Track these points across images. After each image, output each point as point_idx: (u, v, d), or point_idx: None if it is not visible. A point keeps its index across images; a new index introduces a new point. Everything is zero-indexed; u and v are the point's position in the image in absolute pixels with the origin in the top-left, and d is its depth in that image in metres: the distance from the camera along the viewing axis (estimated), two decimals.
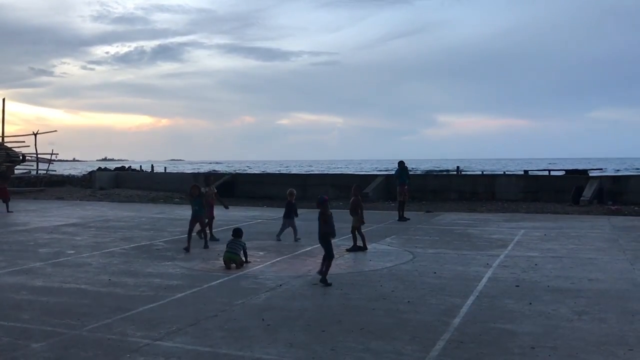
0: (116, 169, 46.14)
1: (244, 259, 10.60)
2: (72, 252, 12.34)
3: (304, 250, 12.43)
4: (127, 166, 54.38)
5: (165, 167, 57.31)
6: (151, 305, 7.75)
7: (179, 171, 56.57)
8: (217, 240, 13.50)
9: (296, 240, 13.44)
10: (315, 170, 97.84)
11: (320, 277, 9.15)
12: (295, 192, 14.20)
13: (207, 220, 13.53)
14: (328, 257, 9.20)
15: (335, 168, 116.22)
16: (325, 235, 9.31)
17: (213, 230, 14.07)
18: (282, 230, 13.88)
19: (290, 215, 13.81)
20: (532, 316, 7.15)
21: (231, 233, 10.96)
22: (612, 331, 6.52)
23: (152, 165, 51.02)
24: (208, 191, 14.30)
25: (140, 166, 54.72)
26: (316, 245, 12.75)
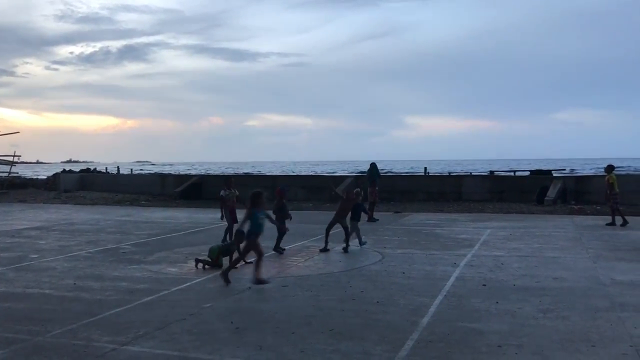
0: (81, 171, 45.30)
1: (219, 261, 10.56)
2: (35, 256, 12.06)
3: (272, 252, 12.38)
4: (92, 168, 53.45)
5: (131, 169, 56.46)
6: (118, 310, 7.62)
7: (146, 173, 55.86)
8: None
9: (362, 244, 12.64)
10: (286, 171, 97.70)
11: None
12: (360, 191, 13.36)
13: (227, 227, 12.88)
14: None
15: (307, 169, 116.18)
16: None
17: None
18: (359, 235, 12.72)
19: (356, 217, 12.77)
20: (498, 315, 7.26)
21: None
22: (575, 328, 6.66)
23: (118, 167, 50.23)
24: (229, 194, 13.29)
25: (106, 168, 53.82)
26: (287, 247, 12.74)
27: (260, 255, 9.04)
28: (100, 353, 5.90)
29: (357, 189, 13.64)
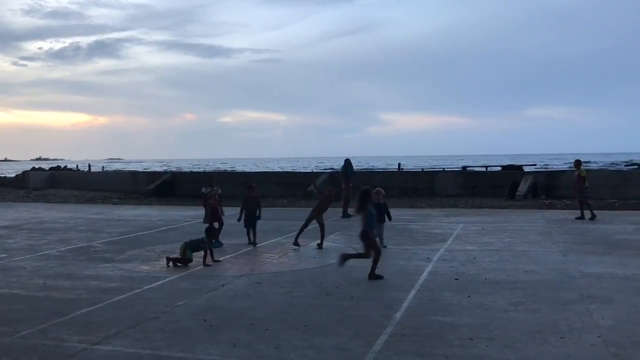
0: (51, 168, 44.51)
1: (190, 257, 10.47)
2: (3, 255, 11.82)
3: (247, 249, 12.35)
4: (62, 166, 52.57)
5: (103, 167, 55.69)
6: (89, 309, 7.51)
7: (118, 170, 55.11)
8: (221, 245, 12.26)
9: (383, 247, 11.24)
10: (260, 168, 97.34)
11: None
12: (383, 191, 12.07)
13: (214, 226, 12.16)
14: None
15: (281, 165, 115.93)
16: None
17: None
18: (381, 238, 11.61)
19: (380, 219, 11.44)
20: (470, 308, 7.35)
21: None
22: (545, 320, 6.78)
23: (89, 164, 49.50)
24: (211, 192, 12.77)
25: (77, 166, 52.99)
26: (260, 245, 12.71)
27: (378, 253, 9.21)
28: (71, 353, 5.81)
29: (337, 190, 13.61)
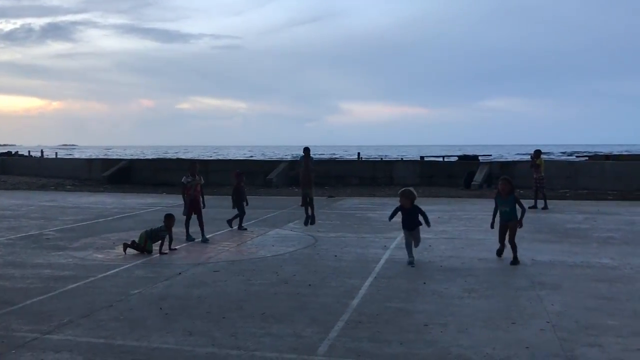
0: (1, 154, 43.06)
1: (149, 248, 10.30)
2: None
3: (206, 236, 12.23)
4: (14, 151, 50.95)
5: (56, 153, 54.21)
6: (40, 298, 7.33)
7: (72, 157, 53.73)
8: (193, 240, 11.60)
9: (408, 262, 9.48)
10: (218, 155, 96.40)
11: None
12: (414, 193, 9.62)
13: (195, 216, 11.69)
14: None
15: (242, 154, 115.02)
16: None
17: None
18: (417, 243, 9.76)
19: (411, 227, 9.51)
20: (425, 295, 7.48)
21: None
22: (498, 306, 6.95)
23: (42, 150, 48.13)
24: (192, 182, 11.81)
25: (29, 151, 51.48)
26: (217, 232, 12.61)
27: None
28: (21, 343, 5.67)
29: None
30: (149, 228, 10.67)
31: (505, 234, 9.49)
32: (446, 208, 17.38)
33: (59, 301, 7.22)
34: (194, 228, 11.73)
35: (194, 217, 11.77)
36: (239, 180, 13.59)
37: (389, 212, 9.97)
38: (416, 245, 9.62)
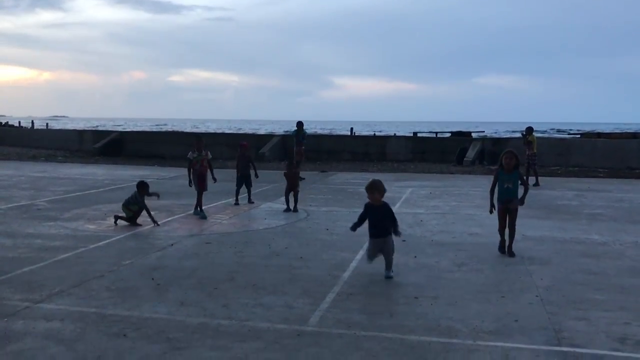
0: None
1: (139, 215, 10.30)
2: None
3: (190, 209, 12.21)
4: (4, 122, 50.46)
5: (47, 124, 53.77)
6: (31, 267, 7.32)
7: (63, 128, 53.28)
8: (205, 218, 11.15)
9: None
10: (209, 129, 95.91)
11: None
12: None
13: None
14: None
15: (232, 127, 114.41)
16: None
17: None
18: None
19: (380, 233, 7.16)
20: (416, 268, 7.53)
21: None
22: (487, 281, 7.02)
23: (32, 121, 47.71)
24: (197, 157, 11.47)
25: (19, 122, 51.00)
26: (211, 205, 12.60)
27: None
28: (13, 311, 5.67)
29: (289, 162, 13.22)
30: (125, 199, 10.58)
31: (505, 219, 8.23)
32: (438, 184, 17.43)
33: (50, 271, 7.21)
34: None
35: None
36: (244, 152, 13.36)
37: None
38: (387, 259, 7.03)
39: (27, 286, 6.50)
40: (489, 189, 8.40)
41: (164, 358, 4.68)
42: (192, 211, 11.63)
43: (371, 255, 7.17)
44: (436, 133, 44.37)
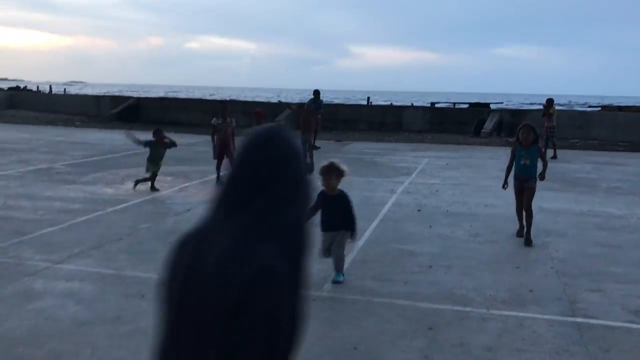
0: (10, 89, 42.95)
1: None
2: None
3: (213, 176, 12.28)
4: (22, 86, 50.78)
5: (65, 89, 54.01)
6: (51, 229, 7.45)
7: (81, 93, 53.48)
8: None
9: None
10: (226, 96, 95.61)
11: None
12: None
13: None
14: None
15: (247, 95, 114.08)
16: None
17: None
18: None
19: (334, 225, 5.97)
20: (431, 238, 7.54)
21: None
22: (502, 251, 7.02)
23: (50, 86, 47.95)
24: (222, 124, 11.26)
25: (38, 87, 51.31)
26: (225, 172, 12.65)
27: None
28: (33, 271, 5.80)
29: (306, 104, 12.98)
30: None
31: (522, 199, 7.56)
32: (454, 155, 17.32)
33: (70, 233, 7.34)
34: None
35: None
36: (259, 120, 13.33)
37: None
38: (335, 258, 5.80)
39: (47, 247, 6.62)
40: (506, 165, 7.85)
41: None
42: (207, 178, 11.69)
43: (324, 250, 5.82)
44: (454, 104, 43.88)
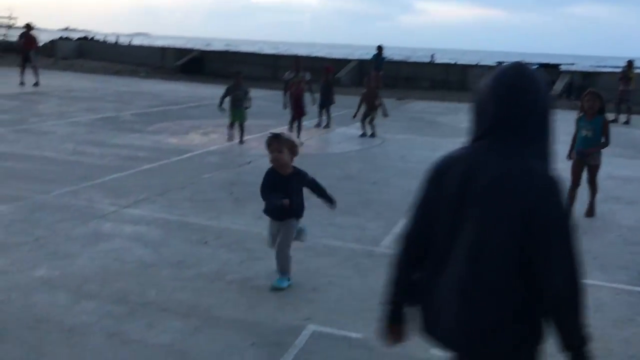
0: (79, 39, 44.18)
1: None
2: (35, 119, 12.04)
3: (273, 130, 12.35)
4: (90, 37, 52.10)
5: (130, 40, 55.07)
6: (118, 175, 7.72)
7: (146, 45, 54.47)
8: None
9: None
10: (287, 51, 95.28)
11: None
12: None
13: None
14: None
15: (312, 51, 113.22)
16: None
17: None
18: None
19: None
20: None
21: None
22: None
23: (117, 37, 49.00)
24: (294, 78, 11.25)
25: (105, 37, 52.51)
26: (286, 126, 12.72)
27: None
28: (102, 214, 6.04)
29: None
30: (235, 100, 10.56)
31: (580, 173, 6.82)
32: None
33: (136, 179, 7.58)
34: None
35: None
36: (328, 76, 13.31)
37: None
38: (277, 256, 4.57)
39: (114, 192, 6.88)
40: (573, 135, 7.08)
41: (243, 266, 4.90)
42: (267, 131, 11.77)
43: (272, 242, 4.65)
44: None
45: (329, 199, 4.81)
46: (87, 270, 4.64)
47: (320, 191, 4.80)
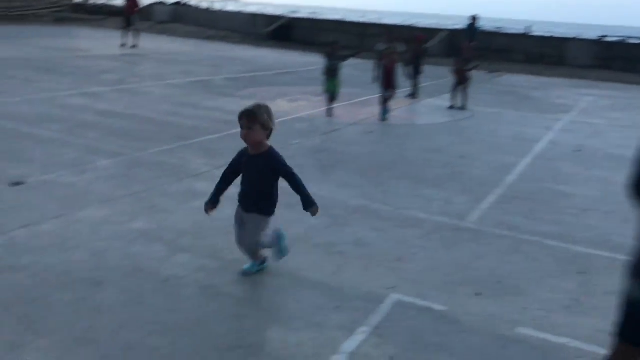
0: (174, 4, 45.50)
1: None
2: (134, 80, 12.61)
3: (360, 99, 12.32)
4: (184, 2, 53.47)
5: (222, 6, 55.98)
6: (211, 137, 7.98)
7: (238, 11, 55.35)
8: (385, 120, 10.07)
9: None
10: (374, 19, 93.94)
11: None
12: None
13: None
14: None
15: (401, 20, 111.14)
16: None
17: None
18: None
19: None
20: (589, 180, 7.06)
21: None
22: None
23: (212, 1, 49.94)
24: (386, 50, 10.64)
25: (198, 3, 53.62)
26: (373, 96, 12.63)
27: None
28: (196, 173, 6.29)
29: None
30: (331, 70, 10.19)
31: None
32: (623, 95, 15.81)
33: (227, 141, 7.80)
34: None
35: None
36: (420, 45, 13.07)
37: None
38: (247, 247, 4.11)
39: (207, 153, 7.13)
40: None
41: (328, 231, 4.98)
42: (355, 100, 11.74)
43: (236, 232, 4.19)
44: (625, 38, 39.55)
45: (307, 201, 3.98)
46: (181, 225, 4.87)
47: (296, 187, 4.00)
